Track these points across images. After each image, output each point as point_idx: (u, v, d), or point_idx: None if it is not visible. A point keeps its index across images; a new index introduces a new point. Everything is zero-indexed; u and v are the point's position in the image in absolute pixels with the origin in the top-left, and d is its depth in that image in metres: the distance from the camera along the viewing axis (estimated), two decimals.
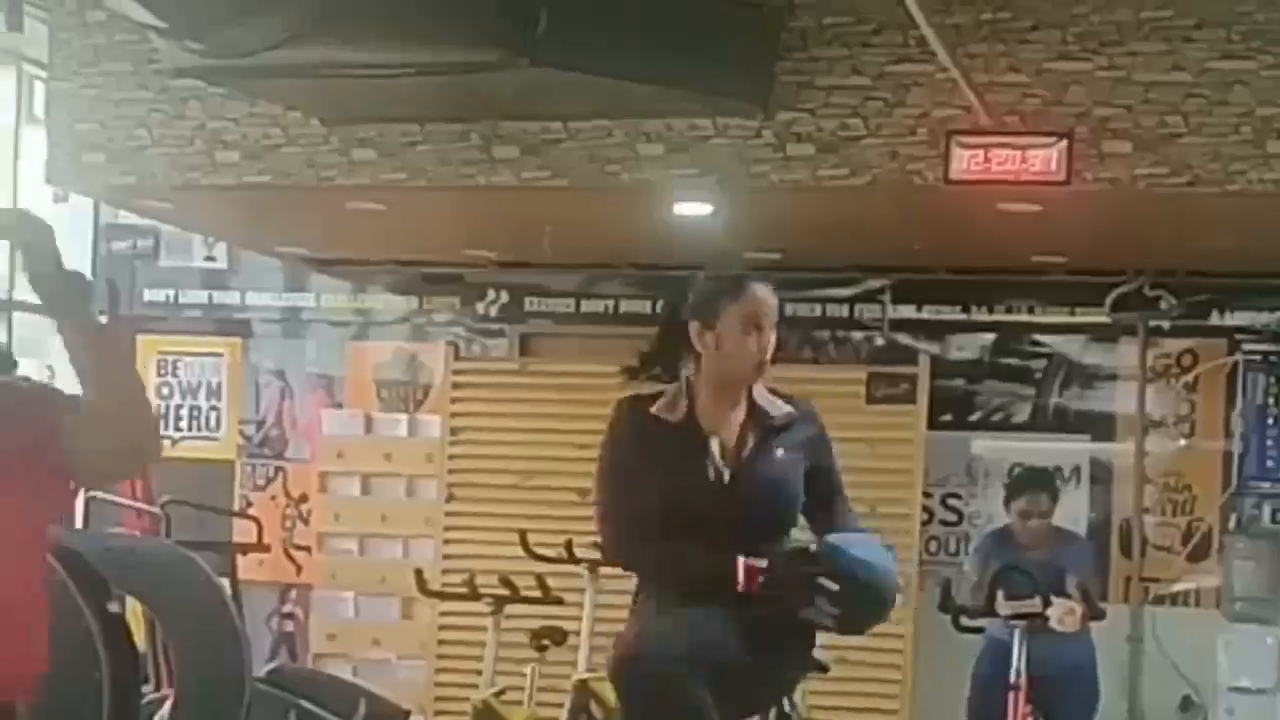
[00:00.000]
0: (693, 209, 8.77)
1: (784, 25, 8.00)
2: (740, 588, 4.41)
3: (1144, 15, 7.62)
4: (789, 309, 10.21)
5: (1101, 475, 9.92)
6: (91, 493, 9.07)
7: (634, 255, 10.37)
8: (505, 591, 8.09)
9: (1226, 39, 7.55)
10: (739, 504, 4.49)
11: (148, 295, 11.15)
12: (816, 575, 4.40)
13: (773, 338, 4.60)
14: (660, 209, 8.76)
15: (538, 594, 8.08)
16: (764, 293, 4.61)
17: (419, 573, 8.52)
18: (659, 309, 10.34)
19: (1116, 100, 7.65)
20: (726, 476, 4.53)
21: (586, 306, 10.73)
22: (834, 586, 4.38)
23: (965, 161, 7.71)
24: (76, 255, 11.17)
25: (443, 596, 9.00)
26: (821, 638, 4.67)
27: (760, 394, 4.63)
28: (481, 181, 8.42)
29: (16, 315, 10.69)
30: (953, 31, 7.56)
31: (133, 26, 7.86)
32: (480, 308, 10.84)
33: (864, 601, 4.48)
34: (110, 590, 5.73)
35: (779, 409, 4.62)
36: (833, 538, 4.52)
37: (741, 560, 4.42)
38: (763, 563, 4.42)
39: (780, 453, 4.56)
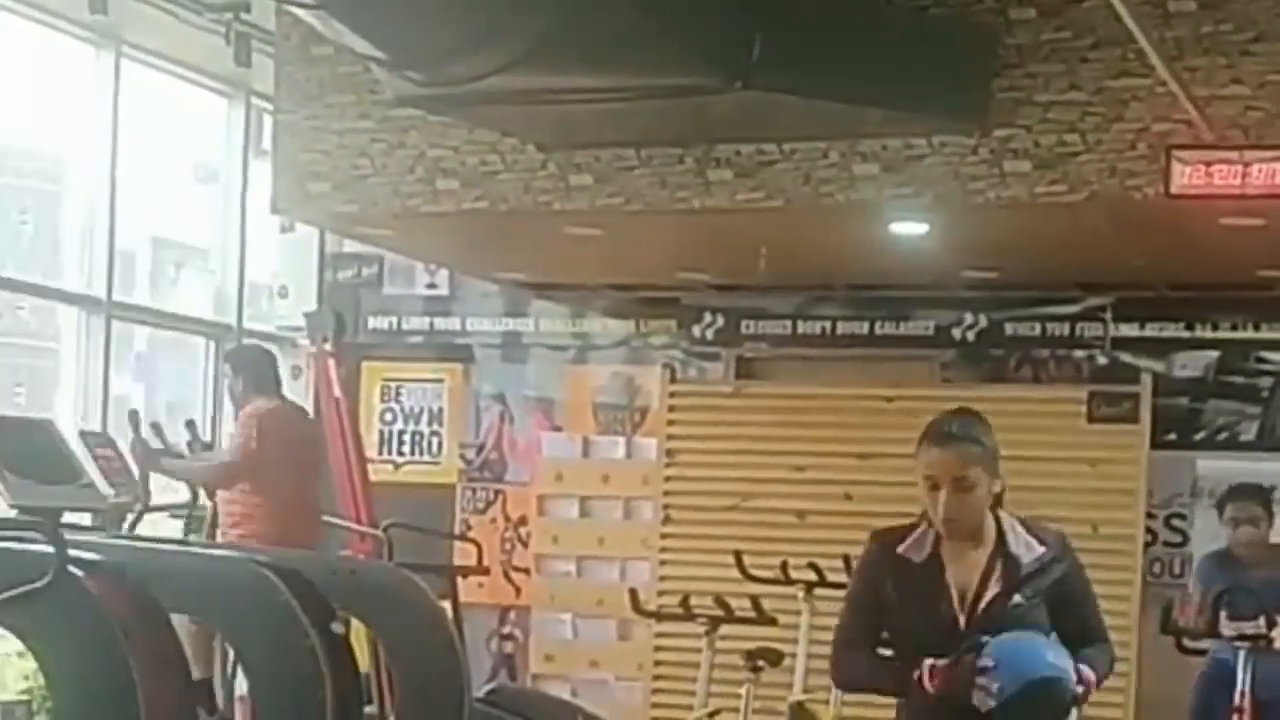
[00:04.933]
0: (909, 228, 8.73)
1: (1000, 41, 7.93)
2: (930, 687, 4.45)
3: None
4: (1009, 328, 10.30)
5: None
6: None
7: (850, 276, 10.34)
8: (719, 612, 8.11)
9: None
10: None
11: (372, 323, 11.35)
12: (980, 672, 4.42)
13: (973, 494, 4.53)
14: (876, 228, 8.73)
15: (752, 615, 8.08)
16: (939, 455, 4.55)
17: (633, 593, 8.59)
18: (876, 329, 10.49)
19: None
20: (962, 622, 4.54)
21: (803, 328, 10.72)
22: (992, 687, 4.40)
23: (1186, 176, 7.57)
24: (303, 284, 11.42)
25: (657, 616, 9.06)
26: None
27: (1012, 533, 4.60)
28: (696, 204, 8.45)
29: None
30: (1172, 45, 7.45)
31: (355, 59, 8.02)
32: (697, 330, 10.88)
33: (1022, 703, 4.44)
34: (333, 611, 5.83)
35: (1030, 553, 4.59)
36: (1002, 639, 4.48)
37: (926, 663, 4.47)
38: (942, 662, 4.46)
39: (1019, 599, 4.55)
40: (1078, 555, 4.69)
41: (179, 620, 5.54)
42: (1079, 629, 4.62)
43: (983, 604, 4.55)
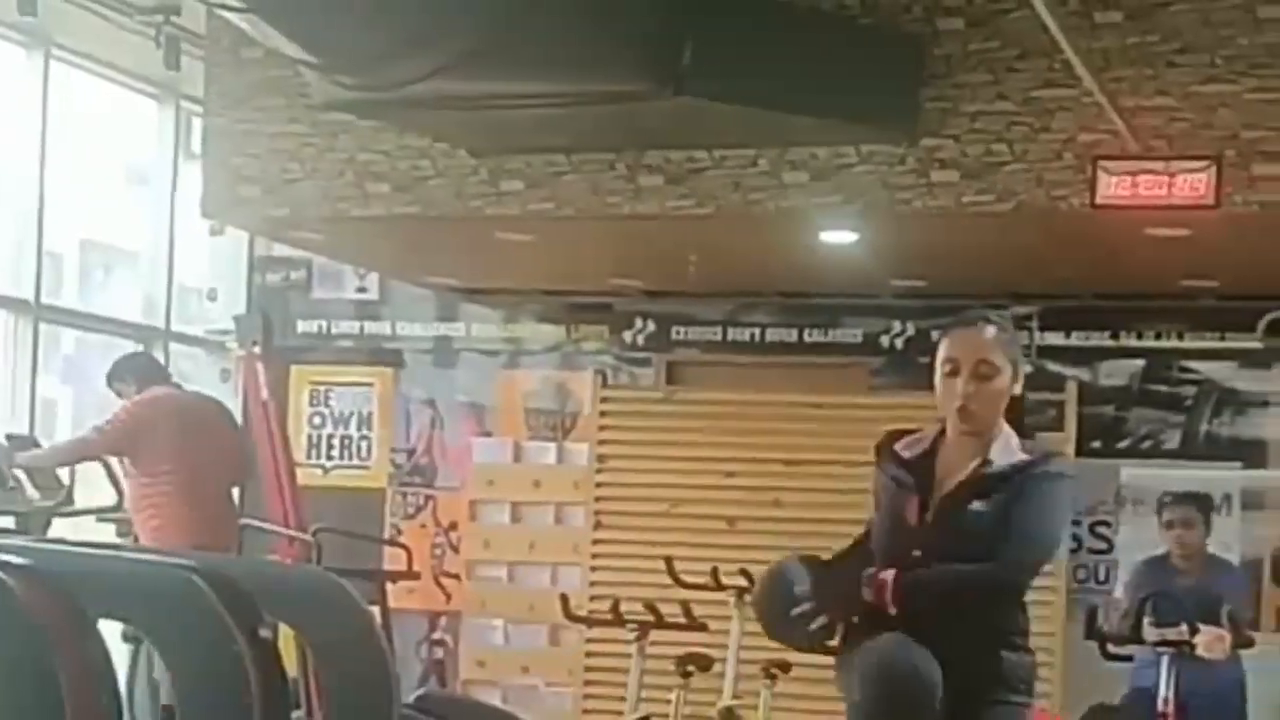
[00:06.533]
0: (838, 236, 8.78)
1: (928, 51, 7.99)
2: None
3: None
4: (937, 336, 10.31)
5: (1253, 503, 9.79)
6: (245, 520, 9.26)
7: (780, 284, 10.39)
8: (650, 618, 8.13)
9: None
10: (933, 551, 4.41)
11: (301, 326, 11.32)
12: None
13: (992, 383, 4.42)
14: (805, 236, 8.77)
15: (683, 620, 8.10)
16: (962, 335, 4.51)
17: (564, 598, 8.59)
18: (805, 337, 10.53)
19: (1266, 122, 7.56)
20: (929, 520, 4.46)
21: (733, 335, 10.76)
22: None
23: (1111, 186, 7.65)
24: (232, 287, 11.39)
25: (587, 622, 9.06)
26: None
27: (1003, 443, 4.48)
28: (627, 210, 8.47)
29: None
30: (1099, 55, 7.52)
31: (285, 62, 8.00)
32: (628, 336, 10.90)
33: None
34: (261, 615, 5.81)
35: (1005, 460, 4.45)
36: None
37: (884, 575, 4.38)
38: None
39: (979, 506, 4.42)
40: (1061, 477, 4.49)
41: None
42: (998, 539, 4.37)
43: (950, 505, 4.42)
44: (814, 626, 4.44)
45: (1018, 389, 4.50)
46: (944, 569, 4.39)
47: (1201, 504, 8.46)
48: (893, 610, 4.34)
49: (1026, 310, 10.13)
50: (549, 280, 10.68)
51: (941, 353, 4.49)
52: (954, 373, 4.44)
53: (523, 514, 10.82)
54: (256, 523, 9.22)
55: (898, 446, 4.55)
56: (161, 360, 10.49)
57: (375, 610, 8.13)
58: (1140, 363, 10.04)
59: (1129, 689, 7.96)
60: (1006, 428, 4.51)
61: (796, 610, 4.41)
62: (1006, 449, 4.48)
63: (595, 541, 10.38)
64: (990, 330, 4.49)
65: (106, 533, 8.86)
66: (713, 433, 10.15)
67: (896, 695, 4.33)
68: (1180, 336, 9.96)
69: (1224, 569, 8.40)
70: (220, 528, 8.74)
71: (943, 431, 4.54)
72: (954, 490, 4.47)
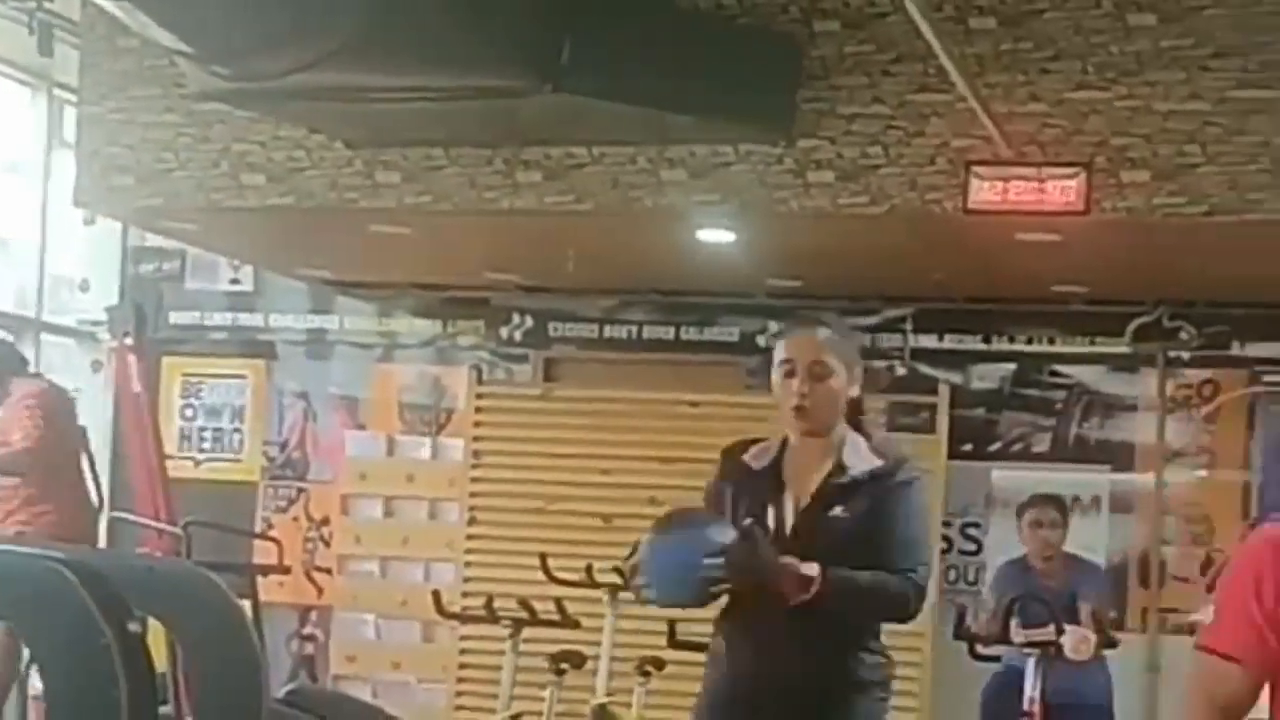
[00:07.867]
0: (715, 235, 8.82)
1: (805, 53, 8.04)
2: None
3: (1163, 44, 7.64)
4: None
5: (1121, 505, 9.92)
6: (114, 513, 9.18)
7: (658, 281, 10.41)
8: (523, 614, 8.13)
9: (1244, 68, 7.57)
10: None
11: (174, 318, 11.21)
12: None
13: (827, 383, 4.52)
14: (683, 235, 8.80)
15: (556, 618, 8.11)
16: (797, 337, 4.60)
17: (436, 594, 8.58)
18: (682, 335, 10.56)
19: (1135, 130, 7.68)
20: (788, 530, 4.50)
21: (610, 332, 10.77)
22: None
23: (984, 191, 7.73)
24: (105, 278, 11.26)
25: (460, 619, 9.04)
26: None
27: (852, 448, 4.55)
28: (505, 205, 8.47)
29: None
30: (973, 61, 7.60)
31: (161, 52, 7.92)
32: (504, 332, 10.88)
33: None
34: (130, 609, 5.76)
35: (860, 467, 4.53)
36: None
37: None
38: None
39: (839, 512, 4.49)
40: (919, 482, 4.62)
41: None
42: (881, 552, 4.47)
43: (810, 513, 4.49)
44: (716, 590, 4.42)
45: (855, 391, 4.59)
46: (870, 574, 4.44)
47: (1061, 503, 8.59)
48: (794, 600, 4.38)
49: (900, 313, 10.23)
50: (425, 274, 10.64)
51: (778, 355, 4.58)
52: (790, 373, 4.54)
53: (396, 509, 10.77)
54: (126, 515, 9.14)
55: (746, 457, 4.60)
56: (33, 351, 10.38)
57: (246, 604, 8.08)
58: (1011, 366, 10.14)
59: (1002, 665, 8.03)
60: (852, 432, 4.60)
61: (709, 562, 4.35)
62: (857, 453, 4.57)
63: (469, 537, 10.35)
64: (824, 332, 4.61)
65: None
66: (589, 430, 10.16)
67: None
68: (1051, 341, 10.07)
69: (1085, 569, 8.53)
70: (84, 524, 8.69)
71: (786, 439, 4.60)
72: (812, 498, 4.52)
